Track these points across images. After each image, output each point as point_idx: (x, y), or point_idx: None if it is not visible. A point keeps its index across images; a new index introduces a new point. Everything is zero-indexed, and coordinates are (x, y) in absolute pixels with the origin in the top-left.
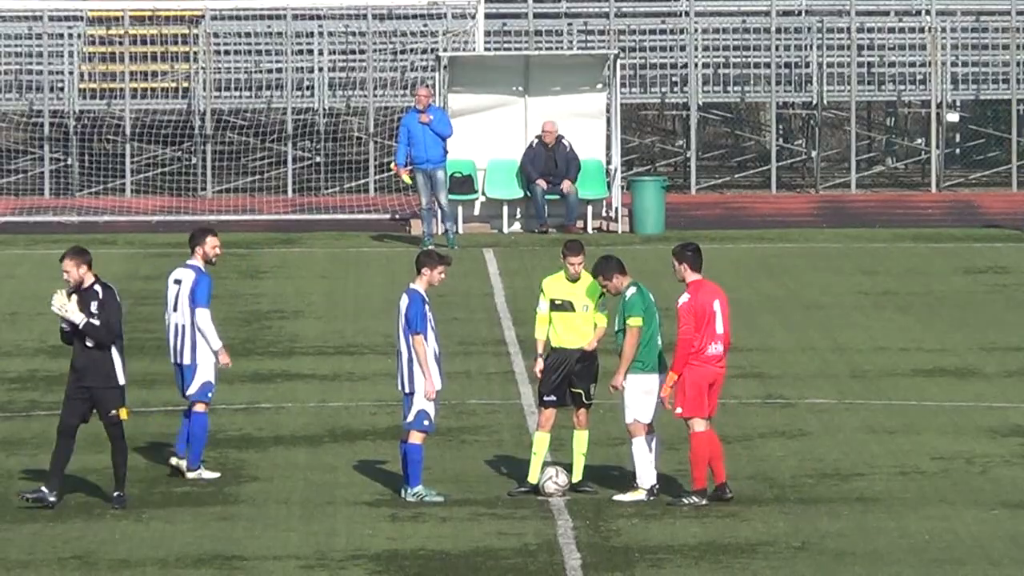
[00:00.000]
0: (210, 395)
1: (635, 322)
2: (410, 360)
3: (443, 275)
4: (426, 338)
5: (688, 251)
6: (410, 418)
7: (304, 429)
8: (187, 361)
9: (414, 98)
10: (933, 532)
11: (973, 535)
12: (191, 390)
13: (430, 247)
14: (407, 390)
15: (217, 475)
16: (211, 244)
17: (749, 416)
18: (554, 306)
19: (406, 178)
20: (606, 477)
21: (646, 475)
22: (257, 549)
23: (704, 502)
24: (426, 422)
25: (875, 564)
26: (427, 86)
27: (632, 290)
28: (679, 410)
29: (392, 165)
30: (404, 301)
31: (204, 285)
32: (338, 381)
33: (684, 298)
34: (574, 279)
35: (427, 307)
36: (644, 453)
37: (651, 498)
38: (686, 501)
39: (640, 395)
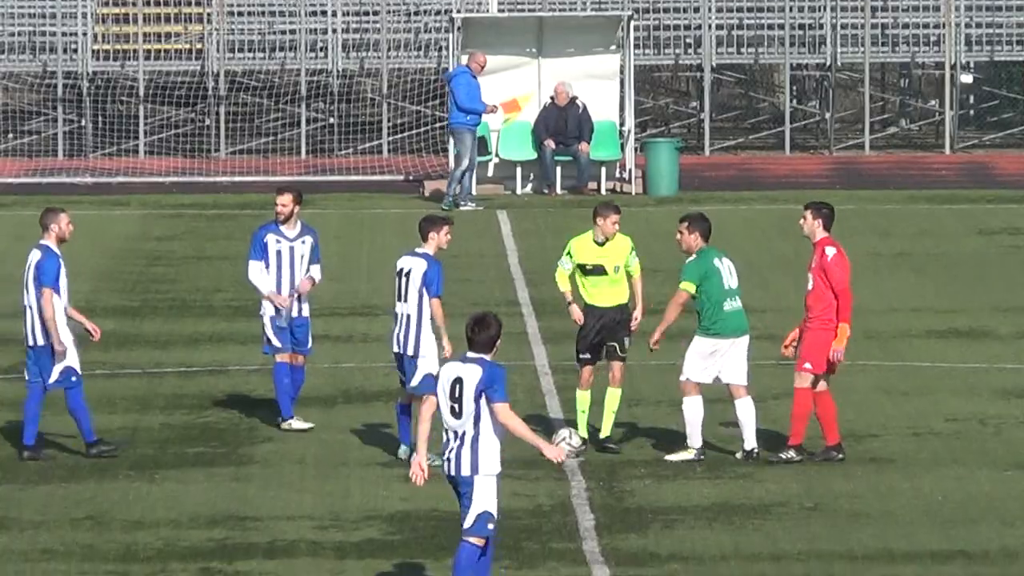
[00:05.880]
0: (267, 351)
1: (685, 286)
2: (419, 323)
3: (449, 236)
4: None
5: (826, 209)
6: (415, 383)
7: (318, 390)
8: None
9: (472, 63)
10: (947, 493)
11: (987, 495)
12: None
13: (461, 205)
14: (411, 353)
15: (309, 425)
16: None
17: (763, 377)
18: (585, 271)
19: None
20: (625, 437)
21: (694, 436)
22: (271, 510)
23: (800, 458)
24: (428, 387)
25: (889, 525)
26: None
27: (693, 257)
28: (808, 365)
29: (492, 107)
30: (421, 265)
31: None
32: (352, 342)
33: (832, 251)
34: (602, 242)
35: None
36: (694, 413)
37: (700, 458)
38: (784, 456)
39: (697, 357)
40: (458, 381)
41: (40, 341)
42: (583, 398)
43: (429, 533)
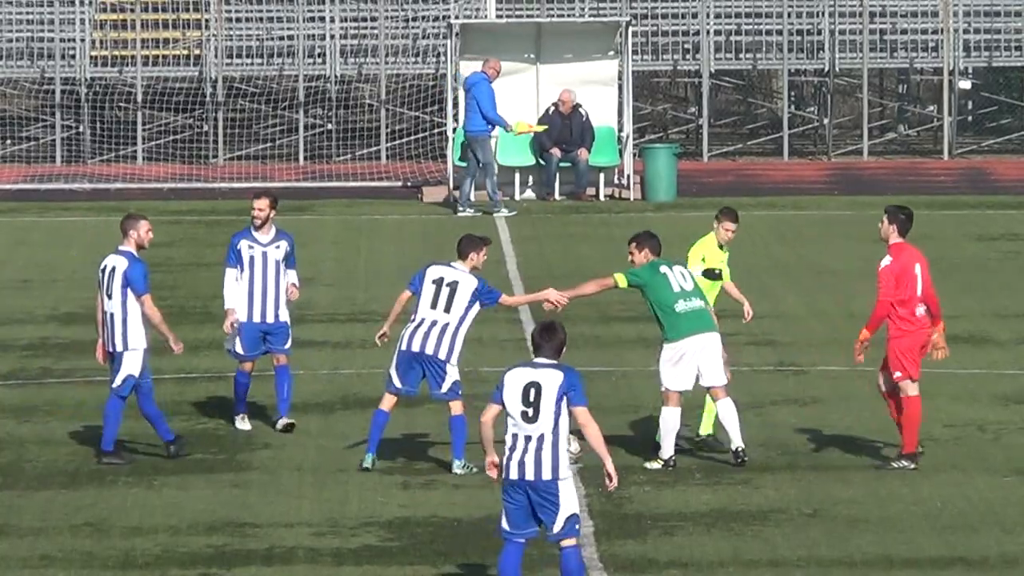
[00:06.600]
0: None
1: (616, 276)
2: (456, 331)
3: (485, 256)
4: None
5: (901, 215)
6: (445, 388)
7: (316, 397)
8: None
9: (488, 69)
10: (946, 499)
11: (986, 502)
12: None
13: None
14: (443, 357)
15: (248, 427)
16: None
17: (761, 383)
18: (712, 276)
19: (537, 127)
20: (622, 444)
21: (666, 446)
22: (269, 516)
23: (914, 467)
24: (460, 390)
25: (888, 531)
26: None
27: (645, 265)
28: (897, 374)
29: (526, 127)
30: (470, 282)
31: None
32: (350, 348)
33: (886, 261)
34: (722, 246)
35: None
36: (668, 424)
37: (668, 468)
38: (895, 465)
39: (667, 365)
40: (533, 385)
41: (118, 347)
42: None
43: (427, 539)
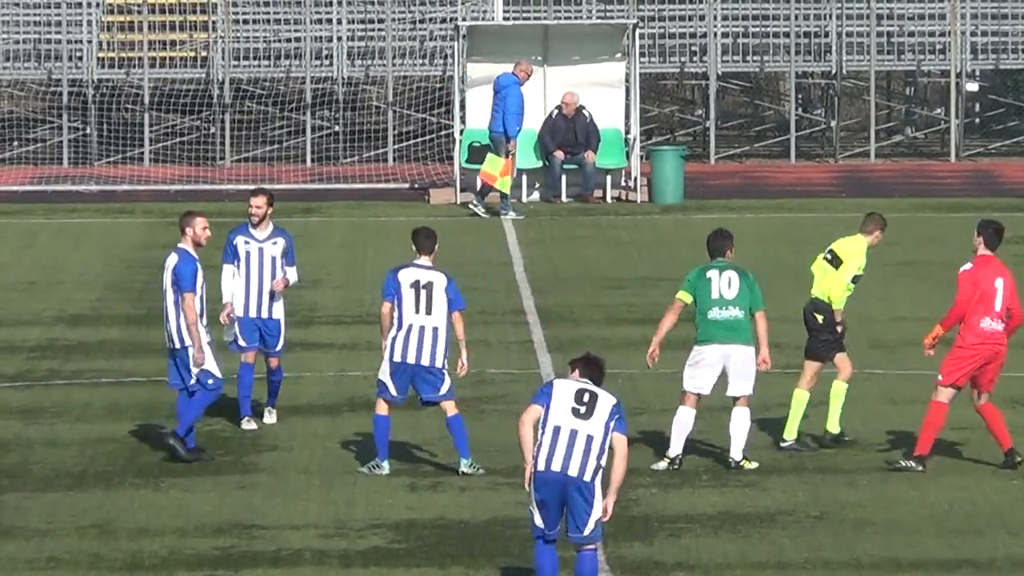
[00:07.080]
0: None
1: (679, 295)
2: (447, 336)
3: None
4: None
5: (991, 228)
6: (444, 391)
7: (323, 398)
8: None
9: (520, 71)
10: (953, 502)
11: (993, 505)
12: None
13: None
14: (439, 364)
15: (254, 427)
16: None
17: (769, 386)
18: (857, 280)
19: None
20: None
21: (672, 445)
22: (276, 518)
23: (921, 469)
24: (454, 393)
25: (894, 533)
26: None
27: (696, 268)
28: (940, 377)
29: (500, 168)
30: (441, 279)
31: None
32: (357, 350)
33: (966, 266)
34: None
35: None
36: (677, 423)
37: (672, 468)
38: (903, 464)
39: (687, 365)
40: (587, 392)
41: (177, 344)
42: (806, 399)
43: (435, 541)
